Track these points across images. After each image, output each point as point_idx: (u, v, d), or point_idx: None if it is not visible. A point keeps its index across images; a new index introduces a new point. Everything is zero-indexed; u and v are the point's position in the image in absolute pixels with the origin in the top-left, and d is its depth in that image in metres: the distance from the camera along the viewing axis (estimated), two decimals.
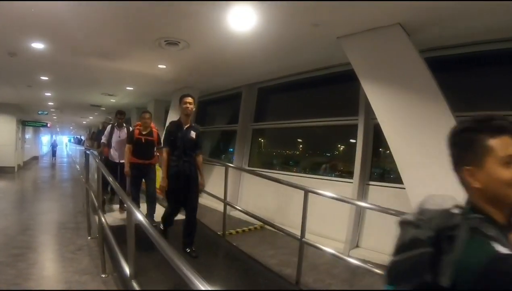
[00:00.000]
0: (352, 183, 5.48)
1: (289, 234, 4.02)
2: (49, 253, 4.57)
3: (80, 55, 5.98)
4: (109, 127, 6.51)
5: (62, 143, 40.31)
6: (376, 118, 4.32)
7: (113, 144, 6.21)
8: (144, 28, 4.56)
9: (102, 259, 3.83)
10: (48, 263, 4.21)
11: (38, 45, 5.30)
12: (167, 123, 5.00)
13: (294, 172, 7.11)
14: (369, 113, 5.25)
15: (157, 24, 4.41)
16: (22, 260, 4.10)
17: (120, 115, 6.39)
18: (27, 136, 18.80)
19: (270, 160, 8.17)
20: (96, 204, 4.33)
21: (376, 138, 5.44)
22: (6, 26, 4.50)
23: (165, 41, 4.98)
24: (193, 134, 4.14)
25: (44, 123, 19.95)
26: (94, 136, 10.19)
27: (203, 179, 4.34)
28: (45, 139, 35.80)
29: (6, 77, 8.10)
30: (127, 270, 2.44)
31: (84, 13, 4.06)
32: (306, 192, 3.68)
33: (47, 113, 17.00)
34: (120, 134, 6.19)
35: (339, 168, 6.22)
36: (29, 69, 7.12)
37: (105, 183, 4.84)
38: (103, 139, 6.48)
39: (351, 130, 5.76)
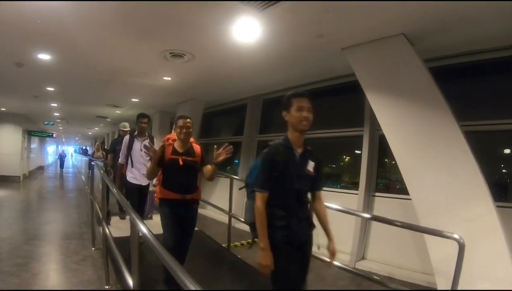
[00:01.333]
0: (357, 194, 5.45)
1: None
2: (53, 263, 4.54)
3: (86, 67, 6.05)
4: (126, 137, 4.94)
5: (68, 154, 40.48)
6: (381, 129, 4.31)
7: (133, 160, 4.77)
8: (150, 40, 4.61)
9: (106, 271, 3.79)
10: (52, 274, 4.17)
11: (44, 56, 5.37)
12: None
13: None
14: (374, 124, 5.24)
15: (163, 36, 4.46)
16: (26, 270, 4.07)
17: (143, 119, 4.82)
18: (33, 146, 18.90)
19: None
20: (101, 215, 4.31)
21: (382, 149, 5.43)
22: (13, 37, 4.57)
23: (170, 53, 5.02)
24: (310, 166, 2.33)
25: (50, 134, 20.16)
26: (111, 147, 7.15)
27: (333, 241, 2.50)
28: (51, 149, 35.98)
29: (13, 87, 8.19)
30: (130, 282, 2.42)
31: (91, 25, 4.12)
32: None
33: (53, 124, 17.17)
34: (141, 146, 4.55)
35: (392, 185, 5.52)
36: (35, 80, 7.20)
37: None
38: (121, 156, 4.87)
39: (357, 141, 5.75)
